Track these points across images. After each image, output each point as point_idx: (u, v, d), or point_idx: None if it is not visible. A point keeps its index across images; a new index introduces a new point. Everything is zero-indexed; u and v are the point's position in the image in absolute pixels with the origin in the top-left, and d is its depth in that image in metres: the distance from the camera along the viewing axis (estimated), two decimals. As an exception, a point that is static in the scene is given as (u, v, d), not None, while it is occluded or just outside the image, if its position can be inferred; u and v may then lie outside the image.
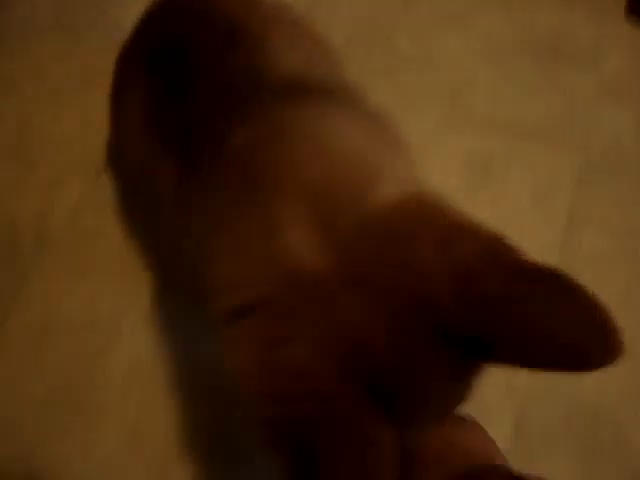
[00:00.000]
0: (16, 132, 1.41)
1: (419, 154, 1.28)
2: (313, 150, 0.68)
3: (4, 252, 1.28)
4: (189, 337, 1.19)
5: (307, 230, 0.61)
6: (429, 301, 0.58)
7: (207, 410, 1.14)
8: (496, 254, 0.61)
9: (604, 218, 1.27)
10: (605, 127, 1.37)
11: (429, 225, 0.61)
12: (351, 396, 0.57)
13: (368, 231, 0.61)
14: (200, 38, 0.85)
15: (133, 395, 1.16)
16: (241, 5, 0.88)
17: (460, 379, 0.62)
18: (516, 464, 1.08)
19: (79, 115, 1.43)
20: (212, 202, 0.72)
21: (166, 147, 0.82)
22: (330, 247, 0.60)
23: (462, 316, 0.58)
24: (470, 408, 1.10)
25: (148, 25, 0.91)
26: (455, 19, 1.47)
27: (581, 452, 1.09)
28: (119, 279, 1.25)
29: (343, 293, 0.59)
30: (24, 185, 1.35)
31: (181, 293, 1.22)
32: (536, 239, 1.26)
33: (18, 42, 1.53)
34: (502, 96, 1.39)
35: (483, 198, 1.29)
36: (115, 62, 1.06)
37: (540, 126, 1.36)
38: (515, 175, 1.31)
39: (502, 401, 1.13)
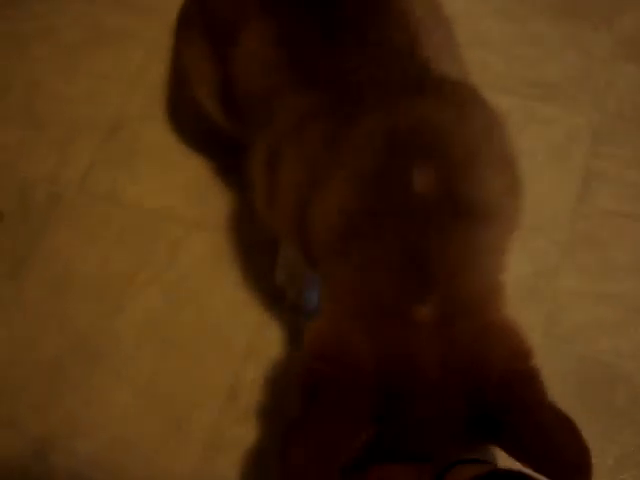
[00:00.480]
0: (25, 92, 1.40)
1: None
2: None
3: (17, 212, 1.28)
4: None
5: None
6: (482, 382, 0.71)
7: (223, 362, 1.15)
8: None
9: (619, 176, 1.26)
10: (621, 86, 1.36)
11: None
12: (367, 387, 0.70)
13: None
14: None
15: (148, 347, 1.16)
16: None
17: (462, 447, 0.76)
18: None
19: (90, 74, 1.43)
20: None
21: (302, 81, 0.86)
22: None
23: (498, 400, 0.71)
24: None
25: None
26: (470, -24, 1.45)
27: (597, 411, 1.10)
28: (131, 237, 1.25)
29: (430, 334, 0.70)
30: (35, 145, 1.35)
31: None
32: (551, 195, 1.25)
33: (29, 2, 1.51)
34: (517, 55, 1.38)
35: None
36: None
37: (556, 84, 1.35)
38: (531, 133, 1.30)
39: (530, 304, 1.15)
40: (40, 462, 1.08)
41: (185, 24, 1.13)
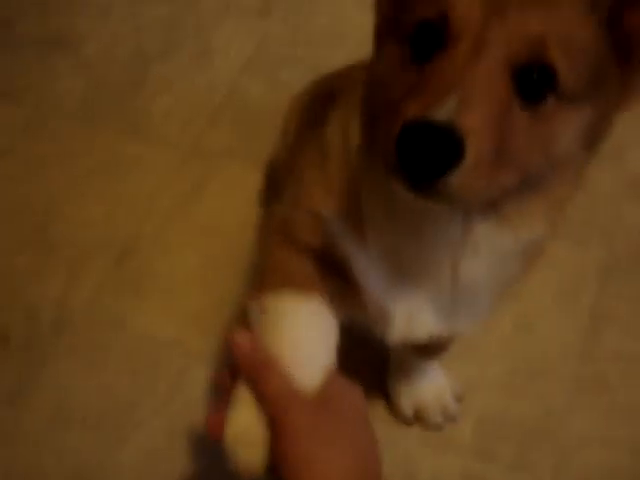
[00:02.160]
0: (40, 215, 1.43)
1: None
2: None
3: (22, 336, 1.28)
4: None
5: None
6: None
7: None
8: None
9: (627, 316, 1.26)
10: (628, 223, 1.37)
11: None
12: None
13: None
14: None
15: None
16: None
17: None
18: None
19: (103, 199, 1.46)
20: None
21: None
22: None
23: None
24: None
25: None
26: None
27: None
28: (135, 367, 1.24)
29: None
30: (45, 268, 1.36)
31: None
32: (559, 336, 1.24)
33: (49, 127, 1.56)
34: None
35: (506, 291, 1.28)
36: None
37: (562, 223, 1.36)
38: (538, 272, 1.30)
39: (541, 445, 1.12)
40: None
41: None
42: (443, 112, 0.58)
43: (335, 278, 0.83)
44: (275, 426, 0.74)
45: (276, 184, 1.26)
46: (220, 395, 0.81)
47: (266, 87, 1.61)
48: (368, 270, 0.82)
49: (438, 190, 0.60)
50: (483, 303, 0.88)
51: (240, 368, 0.77)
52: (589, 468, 1.12)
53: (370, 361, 1.20)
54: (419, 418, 1.16)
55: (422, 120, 0.58)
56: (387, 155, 0.62)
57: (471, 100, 0.59)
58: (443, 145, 0.58)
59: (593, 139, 0.71)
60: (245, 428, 0.77)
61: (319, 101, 1.09)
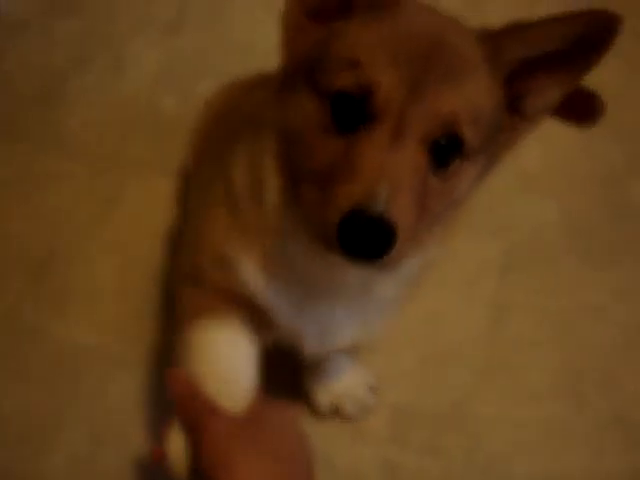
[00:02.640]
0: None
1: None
2: None
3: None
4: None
5: None
6: None
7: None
8: None
9: (527, 305, 1.34)
10: (524, 218, 1.45)
11: None
12: None
13: None
14: None
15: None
16: None
17: None
18: None
19: (22, 213, 1.46)
20: None
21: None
22: None
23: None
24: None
25: None
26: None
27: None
28: (57, 376, 1.26)
29: None
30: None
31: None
32: (465, 326, 1.31)
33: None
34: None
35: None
36: None
37: (463, 220, 1.43)
38: (442, 265, 1.36)
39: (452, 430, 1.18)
40: None
41: None
42: (377, 204, 0.67)
43: (247, 307, 0.89)
44: (197, 433, 0.80)
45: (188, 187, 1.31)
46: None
47: (179, 98, 1.64)
48: (278, 300, 0.88)
49: (373, 264, 0.70)
50: (391, 309, 0.96)
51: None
52: (499, 448, 1.19)
53: (286, 358, 1.24)
54: (336, 411, 1.21)
55: (360, 213, 0.67)
56: (327, 236, 0.70)
57: (399, 186, 0.68)
58: (380, 235, 0.67)
59: (484, 177, 0.82)
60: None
61: (224, 120, 1.14)
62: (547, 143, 1.56)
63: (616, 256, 1.40)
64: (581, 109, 1.57)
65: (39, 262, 1.39)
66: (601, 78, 1.62)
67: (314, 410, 1.22)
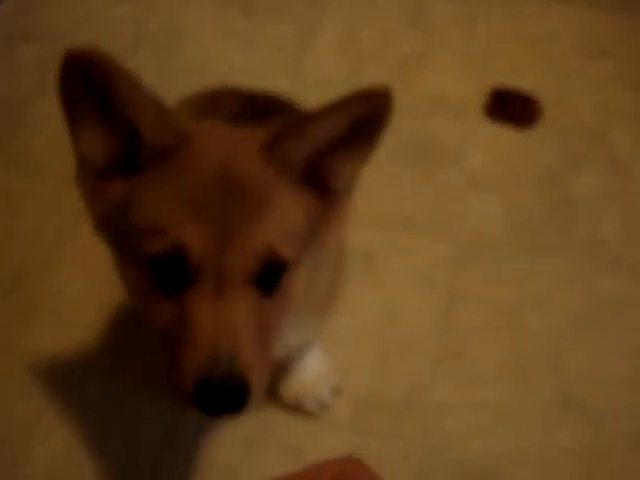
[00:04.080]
0: None
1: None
2: None
3: None
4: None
5: None
6: None
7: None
8: None
9: (479, 294, 1.42)
10: (472, 216, 1.54)
11: None
12: None
13: None
14: None
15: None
16: None
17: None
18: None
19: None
20: None
21: None
22: None
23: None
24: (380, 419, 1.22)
25: None
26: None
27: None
28: (30, 388, 1.30)
29: None
30: None
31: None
32: (419, 317, 1.39)
33: None
34: (379, 195, 1.55)
35: (369, 282, 1.43)
36: None
37: (415, 219, 1.52)
38: (395, 263, 1.45)
39: (398, 472, 1.23)
40: None
41: None
42: (221, 366, 0.69)
43: None
44: None
45: None
46: None
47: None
48: None
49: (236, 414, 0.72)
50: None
51: None
52: (455, 430, 1.27)
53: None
54: (297, 405, 1.27)
55: (208, 380, 0.69)
56: (183, 399, 0.71)
57: (237, 338, 0.70)
58: (234, 393, 0.70)
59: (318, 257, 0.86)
60: None
61: None
62: (490, 145, 1.66)
63: (556, 248, 1.49)
64: (521, 113, 1.68)
65: (9, 282, 1.44)
66: (539, 83, 1.75)
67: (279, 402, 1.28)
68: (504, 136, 1.67)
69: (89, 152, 0.76)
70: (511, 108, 1.70)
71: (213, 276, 0.71)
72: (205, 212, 0.71)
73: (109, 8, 1.97)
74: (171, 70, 1.81)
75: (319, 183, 0.80)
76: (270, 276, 0.74)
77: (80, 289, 1.43)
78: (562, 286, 1.44)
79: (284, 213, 0.75)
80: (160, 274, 0.73)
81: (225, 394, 0.69)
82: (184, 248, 0.70)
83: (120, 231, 0.76)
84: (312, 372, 1.28)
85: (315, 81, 1.76)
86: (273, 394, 1.28)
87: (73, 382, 1.31)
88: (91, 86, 0.71)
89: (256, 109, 1.16)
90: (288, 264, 0.75)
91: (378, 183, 1.56)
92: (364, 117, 0.74)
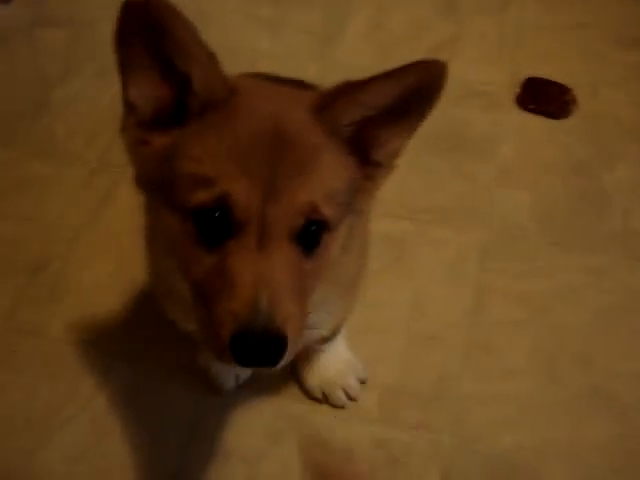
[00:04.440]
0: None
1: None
2: None
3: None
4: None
5: None
6: None
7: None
8: None
9: (508, 287, 1.40)
10: (502, 207, 1.52)
11: None
12: None
13: None
14: None
15: (78, 478, 1.18)
16: None
17: None
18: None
19: (11, 218, 1.51)
20: None
21: None
22: None
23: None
24: (397, 472, 1.18)
25: None
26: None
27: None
28: (57, 371, 1.29)
29: None
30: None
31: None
32: (447, 309, 1.37)
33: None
34: (410, 185, 1.53)
35: (399, 273, 1.41)
36: None
37: (445, 209, 1.51)
38: (425, 253, 1.43)
39: (428, 464, 1.21)
40: None
41: None
42: (260, 317, 0.69)
43: None
44: None
45: None
46: None
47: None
48: None
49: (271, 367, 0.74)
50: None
51: None
52: (484, 423, 1.25)
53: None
54: (324, 397, 1.26)
55: (246, 331, 0.69)
56: (219, 351, 0.72)
57: (277, 291, 0.71)
58: (271, 346, 0.70)
59: (355, 225, 0.86)
60: None
61: None
62: (521, 136, 1.64)
63: (586, 241, 1.47)
64: (554, 103, 1.65)
65: (35, 264, 1.43)
66: (572, 73, 1.72)
67: (306, 394, 1.27)
68: (536, 126, 1.65)
69: (138, 100, 0.76)
70: (544, 98, 1.68)
71: (256, 229, 0.71)
72: (253, 166, 0.71)
73: (134, -7, 1.95)
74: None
75: (363, 152, 0.80)
76: (311, 234, 0.75)
77: (104, 274, 1.42)
78: (592, 279, 1.42)
79: (329, 174, 0.75)
80: (203, 225, 0.73)
81: (262, 346, 0.70)
82: (230, 200, 0.71)
83: (163, 182, 0.76)
84: (338, 364, 1.27)
85: (344, 68, 1.74)
86: (300, 385, 1.27)
87: (98, 366, 1.30)
88: (149, 30, 0.71)
89: None
90: (329, 224, 0.76)
91: (408, 173, 1.53)
92: (417, 88, 0.74)
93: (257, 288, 0.70)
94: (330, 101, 0.76)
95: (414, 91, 0.75)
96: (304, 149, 0.73)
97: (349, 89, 0.75)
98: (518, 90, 1.70)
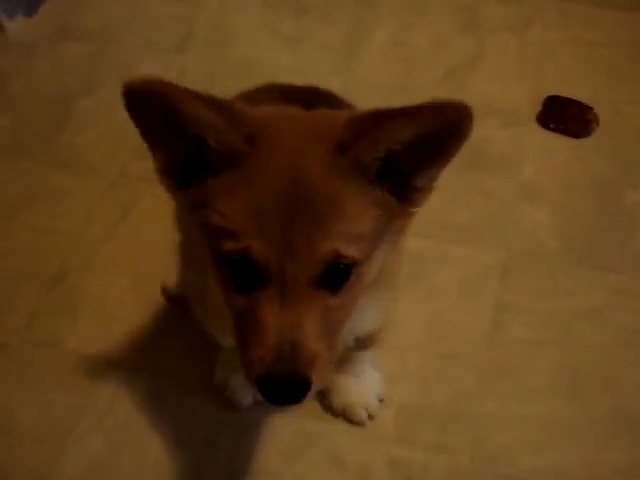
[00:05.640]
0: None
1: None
2: None
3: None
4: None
5: None
6: None
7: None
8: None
9: (528, 307, 1.38)
10: (523, 225, 1.50)
11: None
12: None
13: None
14: None
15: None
16: None
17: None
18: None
19: (31, 229, 1.51)
20: None
21: None
22: None
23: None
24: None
25: None
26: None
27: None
28: (73, 384, 1.29)
29: None
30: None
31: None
32: (467, 327, 1.36)
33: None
34: (430, 202, 1.51)
35: (418, 291, 1.40)
36: None
37: (465, 227, 1.49)
38: (445, 271, 1.42)
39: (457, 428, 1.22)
40: None
41: None
42: (285, 364, 0.75)
43: None
44: None
45: None
46: None
47: (187, 116, 1.69)
48: None
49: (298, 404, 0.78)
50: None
51: None
52: (503, 444, 1.23)
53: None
54: (344, 414, 1.25)
55: (272, 376, 0.75)
56: (251, 382, 0.78)
57: (301, 338, 0.75)
58: (295, 389, 0.76)
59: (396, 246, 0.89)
60: None
61: None
62: (542, 154, 1.63)
63: (609, 260, 1.45)
64: (575, 122, 1.64)
65: (52, 276, 1.43)
66: (594, 91, 1.70)
67: (325, 409, 1.26)
68: (558, 145, 1.63)
69: (163, 159, 0.81)
70: (565, 116, 1.66)
71: (279, 281, 0.75)
72: (271, 222, 0.74)
73: (157, 7, 1.97)
74: (219, 69, 1.80)
75: (398, 178, 0.79)
76: (337, 274, 0.77)
77: (121, 287, 1.42)
78: (615, 299, 1.40)
79: (352, 217, 0.76)
80: (234, 271, 0.78)
81: (286, 388, 0.75)
82: (251, 254, 0.75)
83: (201, 223, 0.80)
84: (363, 380, 1.26)
85: (365, 83, 1.74)
86: (320, 400, 1.26)
87: (113, 380, 1.30)
88: (154, 109, 0.75)
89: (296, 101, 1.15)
90: (357, 261, 0.77)
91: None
92: (439, 128, 0.74)
93: (281, 336, 0.75)
94: (351, 140, 0.75)
95: (437, 130, 0.74)
96: (323, 199, 0.74)
97: (369, 125, 0.74)
98: (539, 108, 1.69)
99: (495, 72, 1.78)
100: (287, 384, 0.75)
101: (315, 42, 1.85)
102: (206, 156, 0.77)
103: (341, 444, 1.22)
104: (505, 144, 1.64)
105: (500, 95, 1.73)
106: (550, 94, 1.71)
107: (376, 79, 1.76)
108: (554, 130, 1.66)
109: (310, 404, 1.26)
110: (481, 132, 1.64)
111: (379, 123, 0.74)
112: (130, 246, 1.48)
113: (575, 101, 1.69)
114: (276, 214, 0.73)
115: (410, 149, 0.76)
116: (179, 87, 0.73)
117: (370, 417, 1.25)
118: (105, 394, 1.28)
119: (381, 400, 1.26)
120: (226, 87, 1.70)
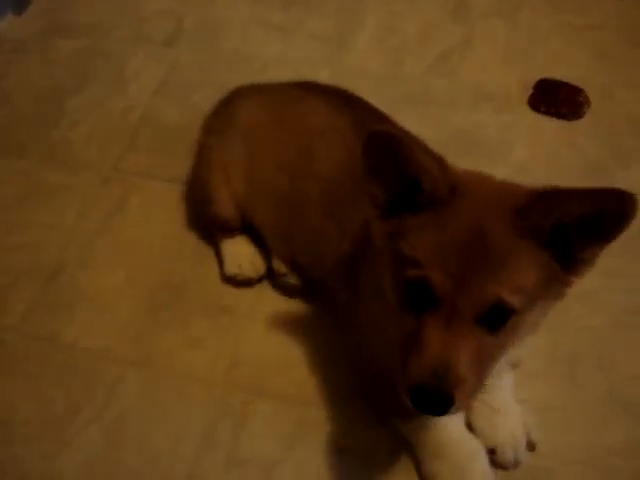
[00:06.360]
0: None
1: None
2: None
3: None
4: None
5: None
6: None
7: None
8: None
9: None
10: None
11: None
12: None
13: None
14: None
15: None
16: None
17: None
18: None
19: (27, 225, 1.52)
20: None
21: None
22: None
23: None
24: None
25: None
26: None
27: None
28: (71, 377, 1.30)
29: None
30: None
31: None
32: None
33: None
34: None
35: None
36: None
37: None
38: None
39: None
40: None
41: None
42: (437, 382, 0.89)
43: None
44: None
45: None
46: None
47: (178, 109, 1.70)
48: None
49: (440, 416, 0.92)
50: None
51: None
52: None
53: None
54: (491, 452, 1.19)
55: (424, 388, 0.89)
56: (402, 391, 0.92)
57: (455, 362, 0.88)
58: (440, 404, 0.90)
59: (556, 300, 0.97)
60: None
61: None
62: (534, 137, 1.63)
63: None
64: (566, 104, 1.64)
65: (48, 272, 1.44)
66: (584, 74, 1.71)
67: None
68: (549, 128, 1.64)
69: (378, 193, 0.96)
70: (556, 99, 1.66)
71: (448, 310, 0.89)
72: (452, 260, 0.88)
73: (146, 1, 1.97)
74: (210, 62, 1.80)
75: (565, 250, 0.91)
76: (497, 317, 0.90)
77: (117, 280, 1.43)
78: (610, 281, 1.40)
79: (519, 271, 0.89)
80: (410, 294, 0.92)
81: (432, 401, 0.90)
82: (430, 282, 0.89)
83: (392, 249, 0.95)
84: (513, 413, 1.21)
85: (356, 72, 1.75)
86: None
87: (112, 373, 1.30)
88: (387, 152, 0.90)
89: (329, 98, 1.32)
90: (516, 309, 0.89)
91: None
92: (607, 212, 0.86)
93: (438, 359, 0.89)
94: (530, 207, 0.88)
95: (603, 212, 0.86)
96: (498, 251, 0.88)
97: (546, 198, 0.87)
98: (530, 92, 1.69)
99: (485, 58, 1.79)
100: (434, 398, 0.89)
101: (305, 33, 1.85)
102: (416, 196, 0.92)
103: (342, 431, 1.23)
104: (497, 128, 1.64)
105: (491, 80, 1.73)
106: (540, 77, 1.72)
107: (366, 67, 1.77)
108: (545, 113, 1.66)
109: (308, 393, 1.27)
110: (473, 117, 1.66)
111: (553, 197, 0.87)
112: (125, 240, 1.49)
113: (565, 83, 1.70)
114: (457, 254, 0.88)
115: (579, 225, 0.88)
116: (412, 137, 0.92)
117: (517, 463, 1.19)
118: (103, 387, 1.28)
119: (533, 448, 1.21)
120: (217, 77, 1.73)
